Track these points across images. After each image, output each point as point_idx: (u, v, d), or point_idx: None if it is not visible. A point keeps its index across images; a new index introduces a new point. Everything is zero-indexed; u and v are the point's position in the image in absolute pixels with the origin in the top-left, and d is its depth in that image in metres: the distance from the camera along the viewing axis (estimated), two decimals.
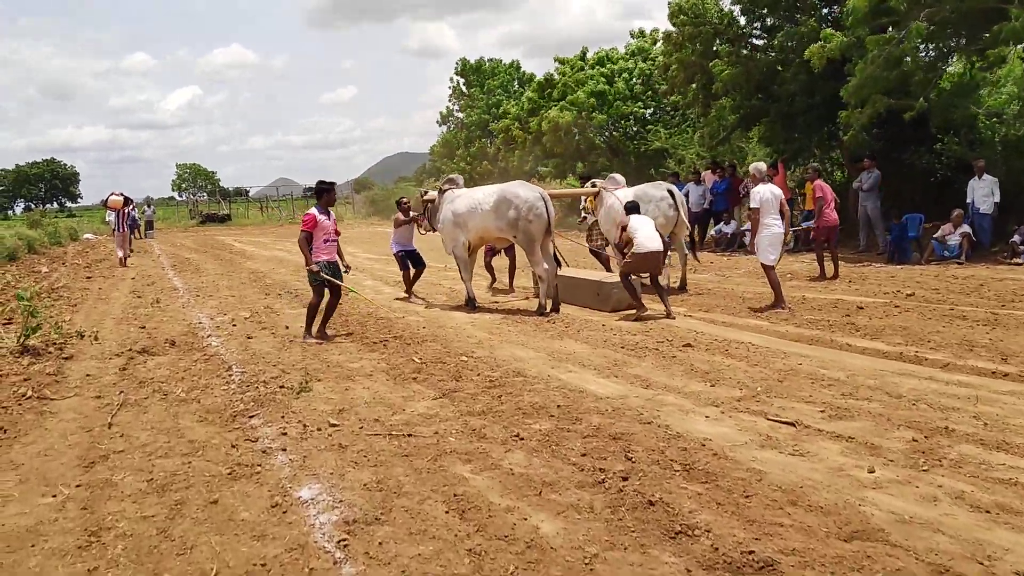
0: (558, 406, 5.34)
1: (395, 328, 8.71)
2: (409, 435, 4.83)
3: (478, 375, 6.33)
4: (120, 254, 18.90)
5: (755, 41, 16.58)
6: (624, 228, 8.76)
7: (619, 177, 11.36)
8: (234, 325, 9.23)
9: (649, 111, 27.50)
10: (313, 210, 7.88)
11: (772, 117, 16.08)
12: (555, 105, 27.98)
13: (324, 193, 8.04)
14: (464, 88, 40.73)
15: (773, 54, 15.63)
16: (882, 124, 14.47)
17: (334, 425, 5.06)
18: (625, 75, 27.82)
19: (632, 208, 9.03)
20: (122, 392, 6.07)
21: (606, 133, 27.42)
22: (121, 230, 19.74)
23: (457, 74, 40.77)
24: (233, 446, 4.71)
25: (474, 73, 39.87)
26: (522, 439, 4.70)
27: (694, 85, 17.59)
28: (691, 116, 25.39)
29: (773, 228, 8.80)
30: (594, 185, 11.30)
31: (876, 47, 12.14)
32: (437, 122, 41.64)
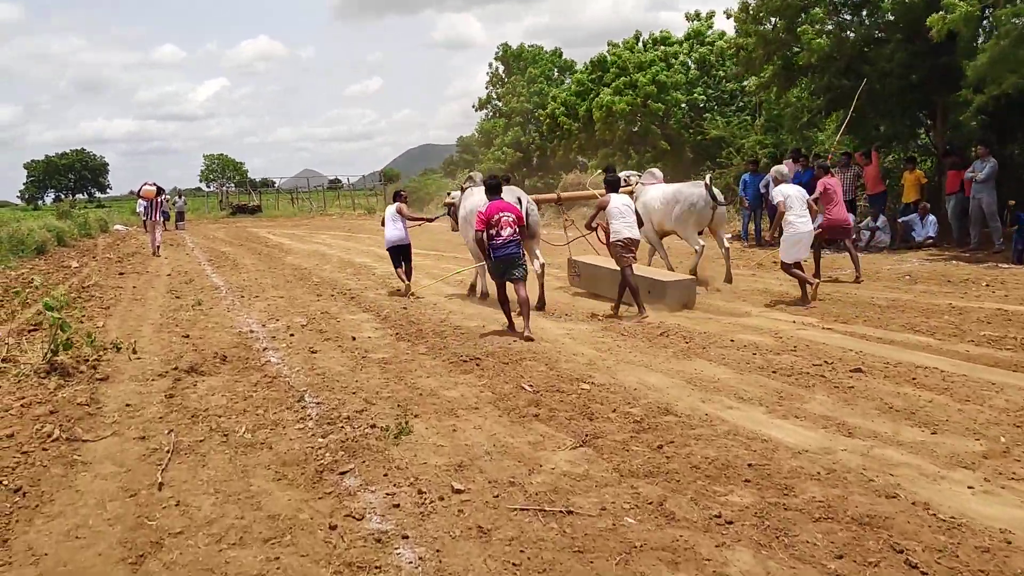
0: (748, 465, 4.01)
1: (479, 340, 7.41)
2: (568, 511, 3.52)
3: (614, 411, 5.00)
4: (156, 241, 19.23)
5: (845, 16, 15.04)
6: (603, 208, 8.54)
7: (657, 172, 11.15)
8: (292, 335, 7.97)
9: (704, 98, 25.92)
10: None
11: (863, 97, 14.51)
12: (606, 89, 26.49)
13: (497, 188, 8.07)
14: (503, 75, 39.28)
15: (868, 25, 14.08)
16: (990, 109, 12.93)
17: (459, 491, 3.76)
18: (682, 59, 26.29)
19: (611, 185, 8.82)
20: (171, 431, 4.81)
21: (661, 121, 25.88)
22: (153, 219, 19.81)
23: (497, 60, 39.33)
24: (332, 527, 3.43)
25: (515, 59, 38.40)
26: (728, 523, 3.37)
27: (769, 65, 16.06)
28: (755, 102, 23.86)
29: (798, 227, 8.68)
30: (627, 182, 11.02)
31: (1008, 20, 10.60)
32: (474, 107, 40.24)
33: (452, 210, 10.85)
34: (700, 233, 10.44)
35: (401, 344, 7.37)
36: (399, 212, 10.83)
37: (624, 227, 8.42)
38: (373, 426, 4.76)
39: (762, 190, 15.52)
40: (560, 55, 38.54)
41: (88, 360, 6.54)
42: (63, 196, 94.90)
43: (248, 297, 10.96)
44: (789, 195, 8.81)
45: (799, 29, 14.32)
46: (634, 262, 8.51)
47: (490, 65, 39.68)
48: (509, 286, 7.83)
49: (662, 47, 26.71)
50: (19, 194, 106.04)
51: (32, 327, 8.45)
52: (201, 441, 4.64)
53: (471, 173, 10.18)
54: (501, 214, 7.68)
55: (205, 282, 13.11)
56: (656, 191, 10.63)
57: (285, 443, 4.56)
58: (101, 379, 6.09)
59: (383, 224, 11.08)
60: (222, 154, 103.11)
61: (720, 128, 24.55)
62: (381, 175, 75.69)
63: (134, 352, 7.14)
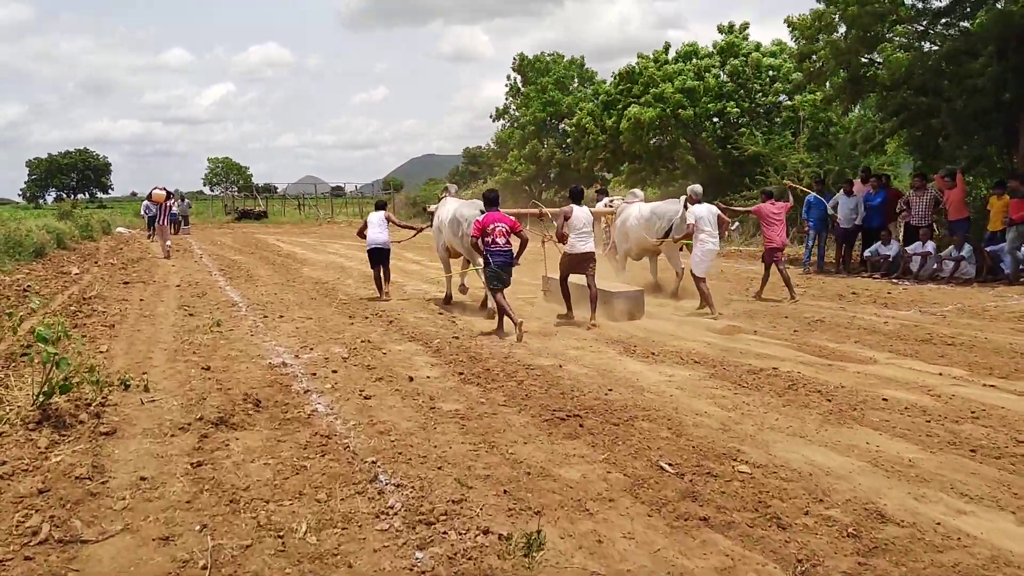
0: None
1: (557, 381, 6.08)
2: None
3: (806, 513, 3.68)
4: (167, 245, 19.05)
5: (922, 27, 13.78)
6: (568, 219, 8.94)
7: (638, 192, 12.08)
8: (334, 371, 6.64)
9: (739, 112, 24.66)
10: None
11: (944, 116, 13.26)
12: (635, 102, 25.28)
13: (493, 201, 8.79)
14: (520, 85, 38.08)
15: (954, 38, 12.83)
16: None
17: None
18: (715, 71, 25.09)
19: (575, 196, 9.30)
20: (204, 526, 3.46)
21: (691, 133, 24.61)
22: (161, 223, 19.72)
23: (514, 70, 38.15)
24: None
25: (532, 69, 37.21)
26: None
27: (836, 78, 14.81)
28: (798, 117, 22.63)
29: (708, 244, 9.62)
30: (611, 206, 12.09)
31: None
32: (491, 117, 39.03)
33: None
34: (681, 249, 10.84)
35: (471, 389, 6.03)
36: (387, 219, 11.52)
37: (578, 241, 8.95)
38: (486, 531, 3.41)
39: (830, 211, 14.22)
40: (581, 64, 37.32)
41: (90, 404, 5.18)
42: (64, 195, 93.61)
43: (272, 317, 9.63)
44: (700, 216, 9.63)
45: (880, 46, 13.06)
46: (592, 274, 9.00)
47: (508, 76, 38.47)
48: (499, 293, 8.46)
49: (693, 60, 25.50)
50: (20, 192, 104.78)
51: (24, 349, 7.11)
52: (248, 547, 3.30)
53: (447, 185, 10.83)
54: (495, 224, 8.40)
55: (219, 296, 11.77)
56: (634, 209, 11.17)
57: (368, 558, 3.22)
58: (106, 433, 4.74)
59: (360, 233, 11.69)
60: (227, 158, 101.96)
61: (759, 144, 23.29)
62: (383, 183, 74.59)
63: (146, 391, 5.81)
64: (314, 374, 6.50)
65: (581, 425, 5.06)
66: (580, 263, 8.96)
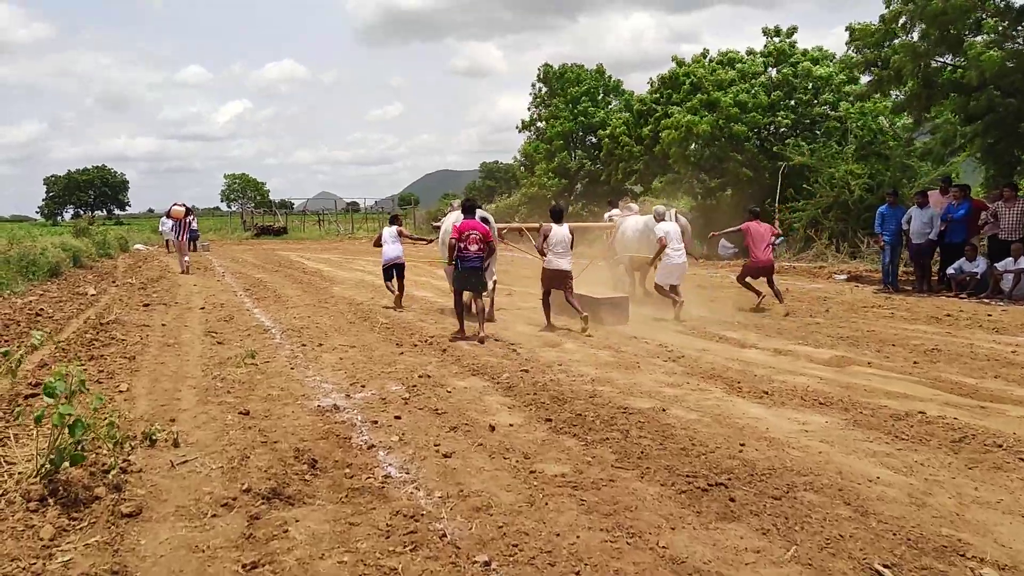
0: None
1: (670, 432, 4.97)
2: None
3: None
4: (185, 260, 19.15)
5: (1006, 27, 12.62)
6: (546, 237, 9.39)
7: (634, 206, 12.44)
8: (397, 417, 5.56)
9: (788, 122, 23.53)
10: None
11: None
12: (677, 108, 24.17)
13: (471, 209, 9.23)
14: (546, 98, 37.09)
15: None
16: None
17: None
18: (761, 78, 24.00)
19: (555, 215, 9.67)
20: None
21: (737, 143, 23.49)
22: (181, 238, 19.69)
23: (539, 80, 37.18)
24: None
25: (557, 80, 36.22)
26: None
27: (911, 81, 13.67)
28: (846, 127, 21.45)
29: (673, 258, 10.30)
30: (612, 217, 12.71)
31: None
32: (517, 128, 38.00)
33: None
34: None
35: (568, 443, 4.94)
36: (399, 233, 12.14)
37: (555, 257, 9.42)
38: None
39: (904, 225, 13.04)
40: (604, 73, 36.30)
41: (108, 471, 4.11)
42: (82, 212, 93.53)
43: (310, 346, 8.57)
44: (668, 232, 10.37)
45: (967, 43, 11.93)
46: (570, 289, 9.50)
47: (533, 86, 37.51)
48: (467, 295, 9.24)
49: (739, 65, 24.41)
50: (38, 210, 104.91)
51: (32, 389, 6.08)
52: None
53: (452, 200, 11.42)
54: (471, 232, 8.88)
55: (248, 320, 10.74)
56: (630, 222, 11.62)
57: None
58: (129, 514, 3.67)
59: (376, 243, 12.48)
60: (243, 174, 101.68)
61: (806, 156, 22.11)
62: (399, 199, 74.01)
63: (175, 446, 4.74)
64: (375, 422, 5.40)
65: (732, 499, 3.95)
66: (557, 279, 9.45)
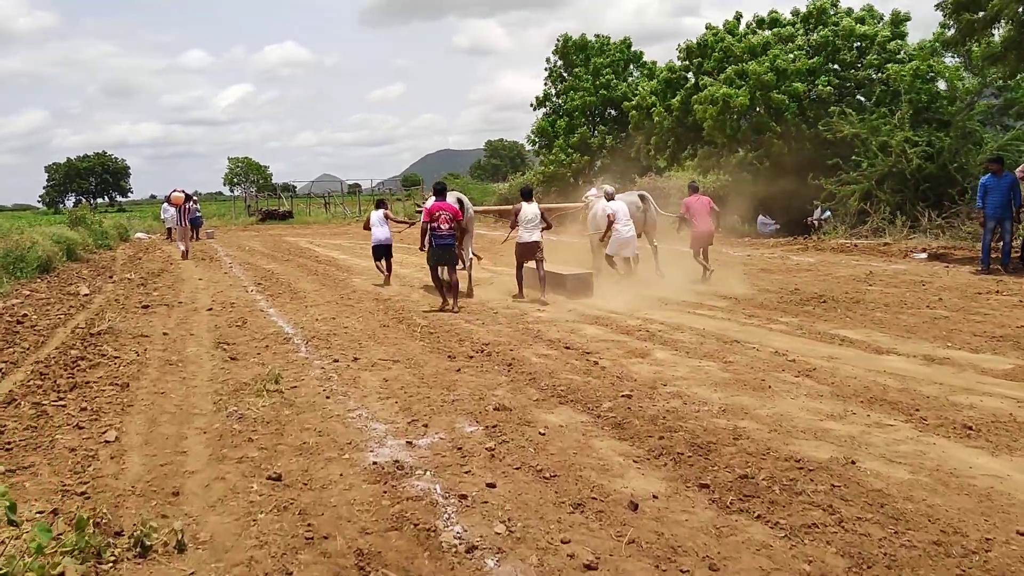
0: None
1: (889, 505, 3.39)
2: None
3: None
4: (181, 248, 18.99)
5: None
6: (517, 214, 10.19)
7: (609, 188, 11.96)
8: (490, 486, 3.98)
9: (832, 88, 21.70)
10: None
11: None
12: (710, 78, 22.39)
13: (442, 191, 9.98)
14: (564, 71, 35.16)
15: None
16: None
17: None
18: (799, 41, 22.17)
19: (525, 194, 10.52)
20: None
21: (776, 113, 21.69)
22: (183, 225, 19.62)
23: (555, 54, 35.25)
24: None
25: (577, 52, 34.29)
26: None
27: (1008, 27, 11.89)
28: (899, 90, 19.60)
29: (622, 233, 10.91)
30: (589, 197, 12.74)
31: None
32: (532, 106, 36.12)
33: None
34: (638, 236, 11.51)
35: (755, 531, 3.36)
36: (386, 216, 12.98)
37: (525, 232, 10.12)
38: None
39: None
40: (629, 45, 34.41)
41: None
42: (84, 200, 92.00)
43: (344, 361, 6.99)
44: (616, 210, 10.91)
45: None
46: (540, 260, 10.15)
47: (548, 60, 35.58)
48: (442, 270, 9.81)
49: (775, 29, 22.58)
50: (39, 198, 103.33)
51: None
52: None
53: (436, 183, 11.05)
54: (440, 212, 9.56)
55: (263, 324, 9.17)
56: (602, 203, 11.52)
57: None
58: None
59: (365, 227, 13.30)
60: (247, 157, 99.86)
61: (855, 124, 20.27)
62: (402, 180, 72.11)
63: (180, 552, 3.15)
64: (463, 496, 3.80)
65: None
66: (528, 251, 10.18)
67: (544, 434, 4.76)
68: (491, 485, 3.93)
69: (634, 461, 4.28)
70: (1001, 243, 11.58)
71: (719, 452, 4.33)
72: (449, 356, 7.15)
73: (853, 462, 4.13)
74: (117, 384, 6.23)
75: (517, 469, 4.17)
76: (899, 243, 16.04)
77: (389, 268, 12.83)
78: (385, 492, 3.88)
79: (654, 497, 3.76)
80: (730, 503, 3.65)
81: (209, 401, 5.76)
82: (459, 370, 6.59)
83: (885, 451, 4.30)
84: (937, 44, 19.80)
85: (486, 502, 3.72)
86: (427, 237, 9.68)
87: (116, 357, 7.28)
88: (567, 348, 7.35)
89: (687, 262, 11.87)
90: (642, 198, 12.17)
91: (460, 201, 10.32)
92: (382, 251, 12.85)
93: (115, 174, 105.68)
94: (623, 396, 5.57)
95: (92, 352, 7.44)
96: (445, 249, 9.63)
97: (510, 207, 12.16)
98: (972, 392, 5.44)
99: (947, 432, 4.59)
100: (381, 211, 13.04)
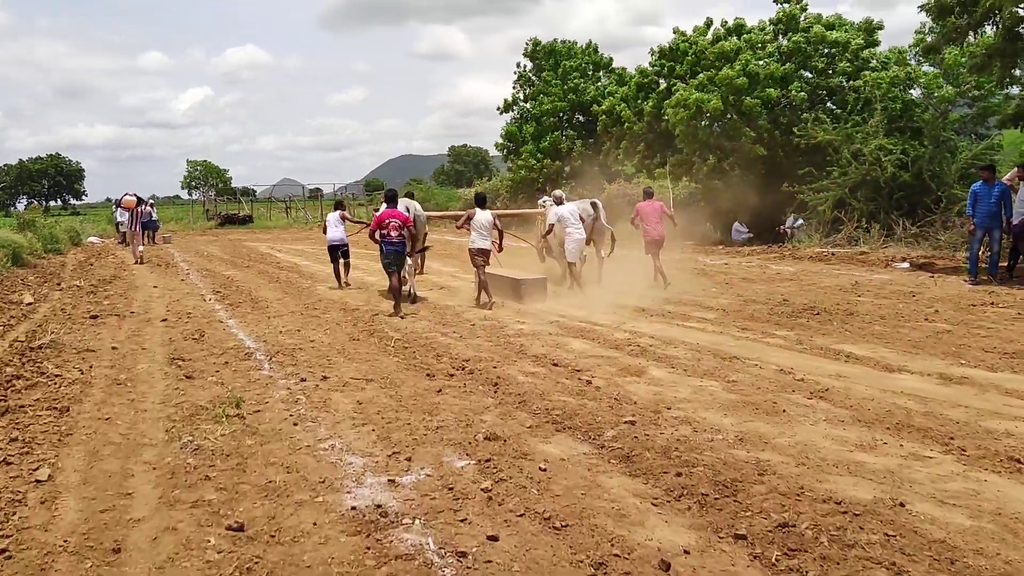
0: None
1: (916, 545, 2.89)
2: None
3: None
4: (134, 253, 18.65)
5: None
6: (469, 220, 10.42)
7: (559, 192, 12.32)
8: (492, 539, 3.39)
9: (804, 95, 21.50)
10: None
11: None
12: (681, 83, 22.06)
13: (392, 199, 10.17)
14: (533, 75, 34.72)
15: None
16: None
17: None
18: (770, 48, 21.98)
19: (479, 201, 10.71)
20: None
21: (749, 120, 21.42)
22: (134, 229, 19.22)
23: (526, 56, 34.81)
24: None
25: (547, 56, 33.89)
26: None
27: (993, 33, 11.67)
28: (869, 97, 19.45)
29: (574, 235, 10.98)
30: (544, 203, 12.92)
31: None
32: (499, 110, 35.59)
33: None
34: (588, 243, 11.65)
35: None
36: (342, 217, 13.13)
37: (478, 238, 10.28)
38: None
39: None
40: (596, 50, 34.12)
41: None
42: (35, 202, 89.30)
43: (312, 380, 6.36)
44: (562, 215, 11.00)
45: None
46: (485, 265, 10.36)
47: (518, 64, 35.11)
48: (392, 274, 9.88)
49: (743, 35, 22.37)
50: None
51: None
52: None
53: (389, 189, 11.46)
54: (390, 220, 9.80)
55: (222, 336, 8.48)
56: (553, 210, 11.64)
57: None
58: None
59: (324, 230, 13.28)
60: (205, 160, 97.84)
61: (828, 131, 20.06)
62: (365, 185, 71.14)
63: None
64: (461, 554, 3.22)
65: None
66: (476, 256, 10.35)
67: (545, 470, 4.20)
68: (493, 538, 3.35)
69: (653, 504, 3.74)
70: (988, 253, 11.29)
71: (747, 492, 3.81)
72: (428, 374, 6.56)
73: (902, 504, 3.63)
74: (55, 408, 5.53)
75: (520, 516, 3.60)
76: (876, 252, 15.79)
77: (347, 268, 13.08)
78: (368, 548, 3.29)
79: (685, 552, 3.21)
80: (776, 560, 3.12)
81: (161, 428, 5.09)
82: (440, 391, 6.00)
83: (933, 490, 3.81)
84: (916, 50, 19.74)
85: (490, 561, 3.15)
86: (379, 244, 9.84)
87: (57, 375, 6.55)
88: (555, 365, 6.80)
89: (647, 268, 11.66)
90: (593, 206, 12.18)
91: (408, 208, 10.50)
92: (336, 251, 12.97)
93: (69, 176, 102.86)
94: (626, 422, 5.03)
95: (30, 370, 6.70)
96: (396, 255, 9.80)
97: (464, 212, 12.24)
98: (1002, 416, 5.01)
99: (994, 466, 4.13)
100: (338, 212, 13.24)
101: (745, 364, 6.67)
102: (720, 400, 5.57)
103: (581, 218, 11.35)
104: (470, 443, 4.66)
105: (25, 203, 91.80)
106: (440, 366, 6.87)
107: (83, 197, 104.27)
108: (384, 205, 10.18)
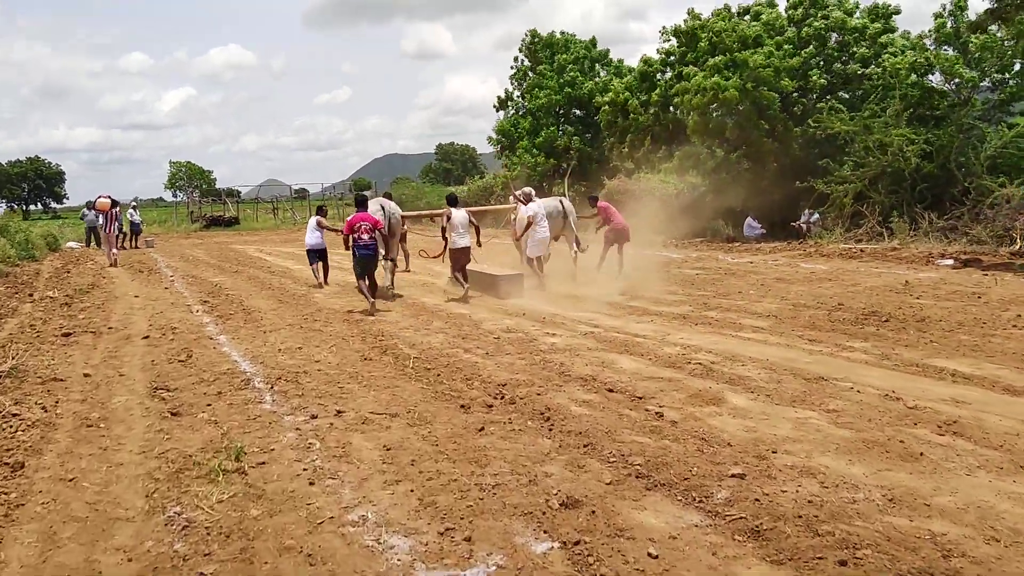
0: None
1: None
2: None
3: None
4: (108, 257, 18.30)
5: None
6: (449, 219, 10.57)
7: (528, 189, 12.32)
8: None
9: (824, 83, 20.52)
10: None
11: None
12: (692, 70, 20.98)
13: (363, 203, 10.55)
14: (530, 70, 33.59)
15: None
16: None
17: None
18: (788, 34, 21.00)
19: (451, 201, 10.92)
20: None
21: (763, 110, 20.40)
22: (108, 231, 18.59)
23: (522, 51, 33.68)
24: None
25: (545, 49, 32.78)
26: None
27: None
28: (890, 84, 18.49)
29: (539, 233, 11.33)
30: (515, 199, 12.60)
31: None
32: (494, 106, 34.47)
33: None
34: (556, 239, 12.14)
35: None
36: (319, 224, 13.27)
37: (457, 237, 10.63)
38: None
39: None
40: (595, 44, 33.04)
41: None
42: (15, 207, 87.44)
43: (325, 416, 5.25)
44: (536, 212, 11.41)
45: None
46: (468, 263, 10.78)
47: (516, 59, 33.95)
48: (367, 276, 9.98)
49: (762, 18, 21.35)
50: None
51: None
52: None
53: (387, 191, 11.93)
54: (361, 223, 9.97)
55: (213, 356, 7.35)
56: (525, 207, 11.68)
57: None
58: None
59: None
60: (189, 162, 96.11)
61: (844, 121, 19.06)
62: (352, 184, 69.84)
63: None
64: None
65: None
66: (462, 255, 10.63)
67: (657, 556, 3.12)
68: None
69: None
70: None
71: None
72: (461, 405, 5.48)
73: None
74: (6, 464, 4.40)
75: None
76: (907, 247, 14.83)
77: (326, 272, 13.37)
78: None
79: None
80: None
81: (140, 492, 3.98)
82: (482, 428, 4.91)
83: None
84: (935, 34, 18.86)
85: None
86: (351, 248, 9.92)
87: (15, 415, 5.42)
88: (610, 391, 5.74)
89: (637, 262, 12.20)
90: (562, 203, 12.45)
91: (383, 208, 10.92)
92: (315, 256, 13.33)
93: (49, 180, 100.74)
94: (732, 476, 3.96)
95: None
96: (368, 258, 9.93)
97: (439, 211, 12.63)
98: None
99: None
100: (315, 218, 13.56)
101: (837, 387, 5.62)
102: (833, 439, 4.51)
103: (550, 215, 11.70)
104: (543, 512, 3.58)
105: (5, 207, 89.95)
106: (473, 393, 5.79)
107: (64, 200, 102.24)
108: (355, 210, 10.43)
